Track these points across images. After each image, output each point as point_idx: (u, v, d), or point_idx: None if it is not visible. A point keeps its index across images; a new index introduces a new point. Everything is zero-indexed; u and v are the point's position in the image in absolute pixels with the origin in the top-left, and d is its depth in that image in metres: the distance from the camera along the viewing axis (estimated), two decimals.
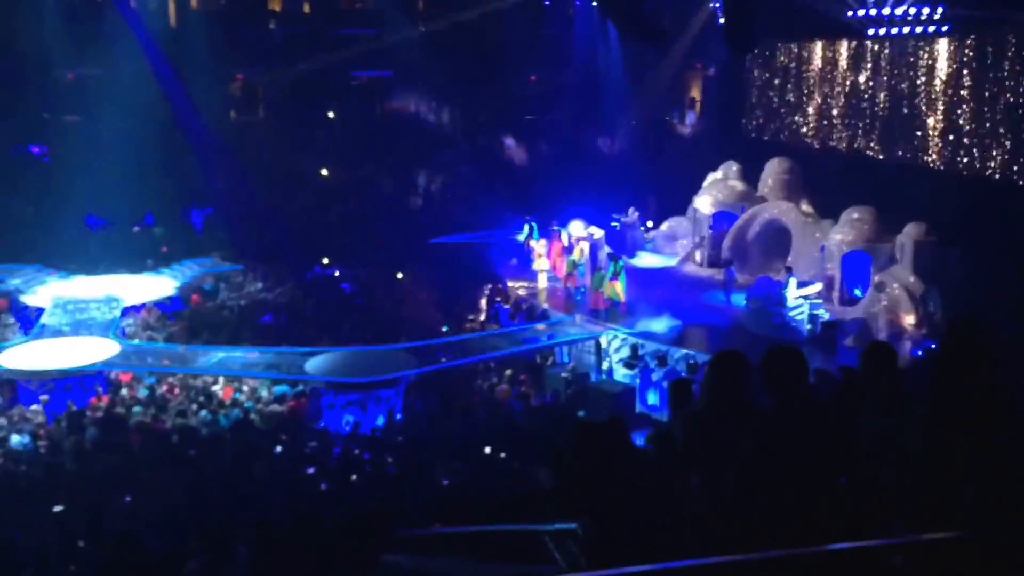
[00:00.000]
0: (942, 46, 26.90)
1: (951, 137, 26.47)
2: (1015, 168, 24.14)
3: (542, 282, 29.81)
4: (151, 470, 17.62)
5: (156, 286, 28.99)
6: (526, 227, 32.25)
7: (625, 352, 24.10)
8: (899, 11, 28.27)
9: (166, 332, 26.28)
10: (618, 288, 26.81)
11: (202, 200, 37.80)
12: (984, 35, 25.32)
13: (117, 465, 17.96)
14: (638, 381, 23.37)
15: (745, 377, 5.70)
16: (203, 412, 20.52)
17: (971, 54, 25.76)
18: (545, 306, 27.99)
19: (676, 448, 5.95)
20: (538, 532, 7.19)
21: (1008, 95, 24.53)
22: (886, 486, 4.66)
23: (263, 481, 17.01)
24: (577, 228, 30.49)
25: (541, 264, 30.06)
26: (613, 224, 33.81)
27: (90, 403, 21.16)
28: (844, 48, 31.64)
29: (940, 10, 26.74)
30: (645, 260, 33.12)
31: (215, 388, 22.33)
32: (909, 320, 23.73)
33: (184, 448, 18.83)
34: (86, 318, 25.38)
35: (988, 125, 25.01)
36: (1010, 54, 24.47)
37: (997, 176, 24.61)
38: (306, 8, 45.38)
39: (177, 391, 22.23)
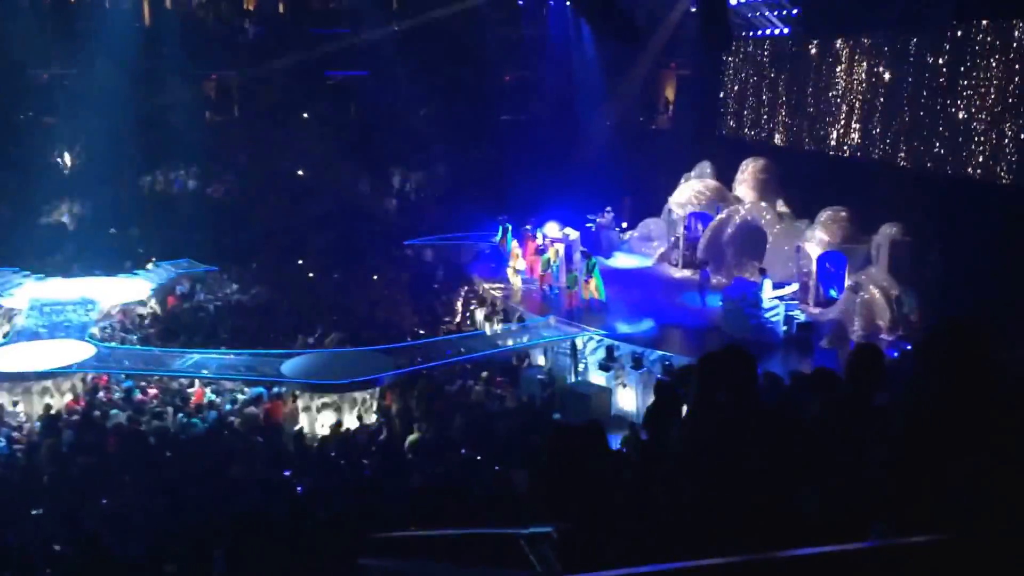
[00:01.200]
0: (916, 44, 27.01)
1: (926, 137, 26.57)
2: (993, 168, 24.26)
3: (516, 283, 29.82)
4: (128, 473, 17.55)
5: (132, 288, 28.84)
6: (500, 228, 32.25)
7: (601, 354, 24.10)
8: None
9: (142, 334, 26.16)
10: (594, 287, 26.88)
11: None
12: (958, 35, 25.44)
13: (94, 468, 17.88)
14: (614, 383, 23.39)
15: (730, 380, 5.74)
16: (180, 415, 20.43)
17: (947, 53, 25.87)
18: (520, 307, 27.99)
19: (667, 453, 5.99)
20: (514, 535, 7.23)
21: (985, 94, 24.65)
22: (866, 488, 4.70)
23: (240, 484, 16.96)
24: (552, 229, 30.50)
25: (516, 265, 30.07)
26: (588, 225, 33.87)
27: (67, 406, 21.05)
28: (816, 47, 31.73)
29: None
30: (620, 261, 33.18)
31: (190, 391, 22.24)
32: (884, 321, 23.86)
33: (161, 451, 18.75)
34: (62, 320, 25.23)
35: (965, 125, 25.12)
36: (984, 53, 24.61)
37: (974, 176, 24.72)
38: (281, 8, 45.27)
39: (152, 391, 22.13)
